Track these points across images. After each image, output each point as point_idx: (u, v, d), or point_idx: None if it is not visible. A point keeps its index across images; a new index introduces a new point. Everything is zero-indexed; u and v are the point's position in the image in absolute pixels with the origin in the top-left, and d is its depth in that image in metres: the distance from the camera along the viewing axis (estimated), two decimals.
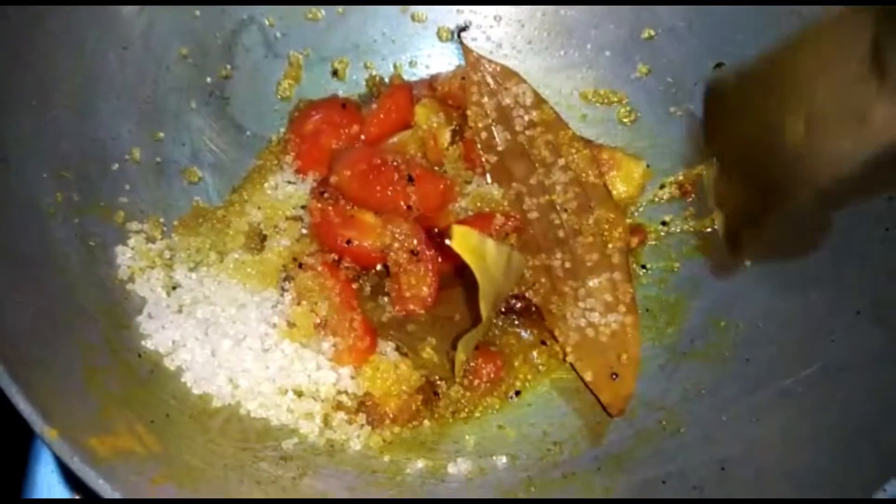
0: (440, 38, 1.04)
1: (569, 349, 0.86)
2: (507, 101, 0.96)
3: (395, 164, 0.90)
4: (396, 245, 0.87)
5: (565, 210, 0.92)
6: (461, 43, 1.01)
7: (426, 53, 1.05)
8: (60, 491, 0.86)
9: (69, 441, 0.58)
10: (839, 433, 0.70)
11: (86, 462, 0.58)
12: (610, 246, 0.90)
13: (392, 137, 0.96)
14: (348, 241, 0.88)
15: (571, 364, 0.86)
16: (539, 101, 0.97)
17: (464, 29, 1.03)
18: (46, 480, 0.87)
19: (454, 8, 1.05)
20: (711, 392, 0.80)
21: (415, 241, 0.87)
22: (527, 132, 0.96)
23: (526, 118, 0.96)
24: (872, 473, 0.65)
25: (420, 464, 0.78)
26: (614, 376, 0.84)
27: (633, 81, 1.01)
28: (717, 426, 0.76)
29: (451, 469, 0.78)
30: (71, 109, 0.83)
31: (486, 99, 0.97)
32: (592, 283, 0.88)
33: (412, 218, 0.89)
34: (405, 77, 1.04)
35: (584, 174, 0.93)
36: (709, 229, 0.93)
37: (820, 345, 0.77)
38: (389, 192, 0.89)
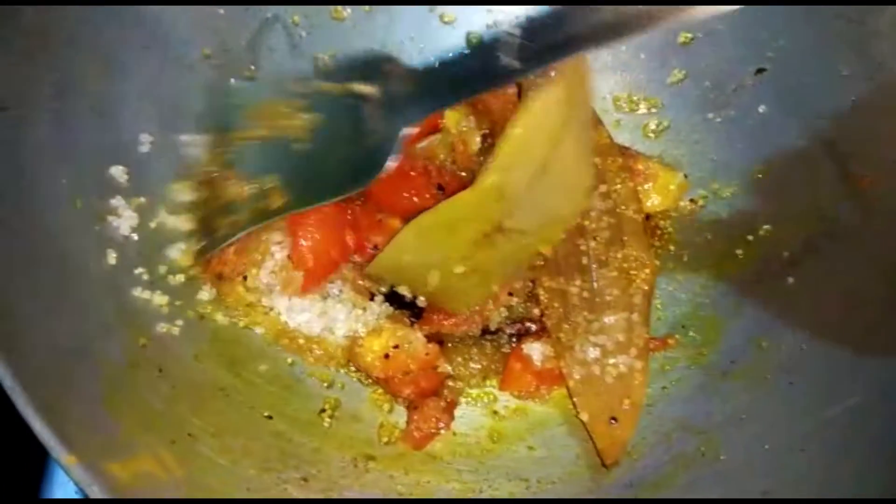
0: (470, 43, 1.01)
1: (571, 382, 0.83)
2: None
3: (425, 170, 0.87)
4: None
5: (594, 238, 0.88)
6: None
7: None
8: (77, 492, 0.85)
9: (88, 468, 0.56)
10: (889, 468, 0.67)
11: (105, 491, 0.55)
12: (633, 285, 0.86)
13: (421, 142, 0.93)
14: (374, 247, 0.85)
15: (571, 399, 0.83)
16: (596, 122, 0.94)
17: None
18: (64, 480, 0.85)
19: (483, 8, 1.01)
20: (752, 417, 0.77)
21: None
22: None
23: None
24: None
25: (449, 486, 0.76)
26: (613, 421, 0.80)
27: (668, 86, 0.98)
28: (758, 454, 0.73)
29: (481, 492, 0.75)
30: (91, 112, 0.81)
31: None
32: (608, 319, 0.84)
33: None
34: None
35: (623, 206, 0.89)
36: (750, 238, 0.90)
37: (869, 371, 0.73)
38: (417, 200, 0.86)
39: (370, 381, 0.84)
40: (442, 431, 0.81)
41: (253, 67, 0.95)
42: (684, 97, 0.97)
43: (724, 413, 0.79)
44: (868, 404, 0.71)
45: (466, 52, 0.75)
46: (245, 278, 0.84)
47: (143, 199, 0.83)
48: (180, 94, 0.89)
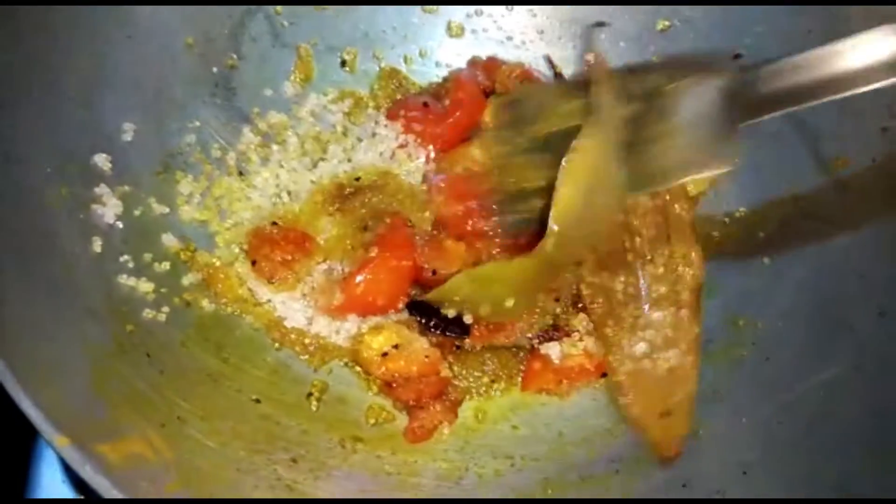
0: (451, 32, 1.02)
1: (622, 377, 0.82)
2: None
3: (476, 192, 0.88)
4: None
5: (639, 235, 0.87)
6: (591, 39, 0.99)
7: (436, 44, 1.02)
8: (64, 490, 0.85)
9: (80, 449, 0.57)
10: (862, 435, 0.69)
11: (98, 471, 0.56)
12: (681, 282, 0.85)
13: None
14: (434, 272, 0.85)
15: (621, 396, 0.82)
16: None
17: (601, 24, 0.99)
18: (50, 480, 0.85)
19: None
20: (730, 393, 0.79)
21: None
22: None
23: None
24: None
25: (436, 465, 0.77)
26: (666, 415, 0.79)
27: None
28: (737, 429, 0.75)
29: (468, 471, 0.77)
30: (75, 102, 0.81)
31: None
32: (656, 315, 0.84)
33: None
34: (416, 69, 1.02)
35: (673, 204, 0.88)
36: (726, 220, 0.91)
37: (842, 345, 0.75)
38: (482, 225, 0.87)
39: (369, 379, 0.85)
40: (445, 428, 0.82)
41: (235, 56, 0.96)
42: None
43: (702, 390, 0.80)
44: (842, 377, 0.73)
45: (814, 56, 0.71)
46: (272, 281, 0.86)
47: (126, 188, 0.83)
48: (163, 83, 0.89)
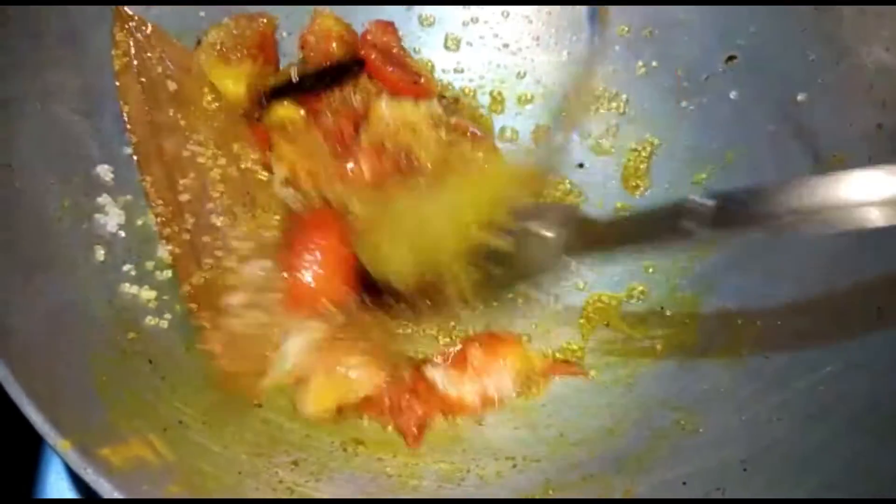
0: (447, 47, 1.03)
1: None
2: None
3: None
4: None
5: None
6: None
7: (435, 56, 1.03)
8: (71, 491, 0.86)
9: (82, 452, 0.58)
10: (862, 431, 0.69)
11: (99, 473, 0.57)
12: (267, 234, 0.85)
13: None
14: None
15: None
16: None
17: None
18: (57, 481, 0.86)
19: (461, 7, 1.03)
20: (729, 391, 0.79)
21: None
22: None
23: None
24: None
25: (437, 467, 0.77)
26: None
27: (642, 76, 1.00)
28: (736, 426, 0.75)
29: (469, 472, 0.77)
30: (76, 111, 0.82)
31: None
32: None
33: None
34: None
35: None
36: None
37: (841, 342, 0.75)
38: None
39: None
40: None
41: None
42: (657, 86, 0.99)
43: (701, 389, 0.80)
44: (842, 374, 0.73)
45: (651, 212, 0.73)
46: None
47: (129, 197, 0.84)
48: None
